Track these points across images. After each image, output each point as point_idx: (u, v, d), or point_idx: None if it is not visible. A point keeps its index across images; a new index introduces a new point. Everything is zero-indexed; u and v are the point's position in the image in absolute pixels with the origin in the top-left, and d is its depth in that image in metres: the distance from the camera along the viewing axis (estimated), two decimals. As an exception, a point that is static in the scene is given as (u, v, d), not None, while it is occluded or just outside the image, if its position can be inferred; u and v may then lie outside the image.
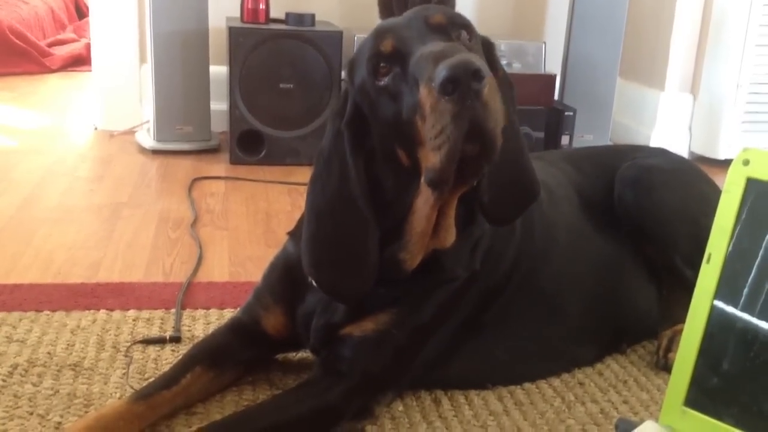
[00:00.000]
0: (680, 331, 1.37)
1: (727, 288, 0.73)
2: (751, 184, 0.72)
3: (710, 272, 0.74)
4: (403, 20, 1.05)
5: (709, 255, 0.74)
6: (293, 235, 1.24)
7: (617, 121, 2.99)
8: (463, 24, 1.05)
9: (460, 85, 0.89)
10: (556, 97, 2.79)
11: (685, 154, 2.96)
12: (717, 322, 0.74)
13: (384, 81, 1.01)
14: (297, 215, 1.21)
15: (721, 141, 2.87)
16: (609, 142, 2.88)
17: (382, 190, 1.08)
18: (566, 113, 2.66)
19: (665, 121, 2.98)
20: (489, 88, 0.92)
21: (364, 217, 1.06)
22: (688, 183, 1.50)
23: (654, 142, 2.96)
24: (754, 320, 0.71)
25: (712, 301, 0.73)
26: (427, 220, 1.08)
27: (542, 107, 2.64)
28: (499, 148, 0.96)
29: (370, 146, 1.07)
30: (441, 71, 0.89)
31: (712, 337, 0.73)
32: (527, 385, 1.28)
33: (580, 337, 1.36)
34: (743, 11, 2.76)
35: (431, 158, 0.95)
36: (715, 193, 1.54)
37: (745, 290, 0.72)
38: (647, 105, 3.04)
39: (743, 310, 0.73)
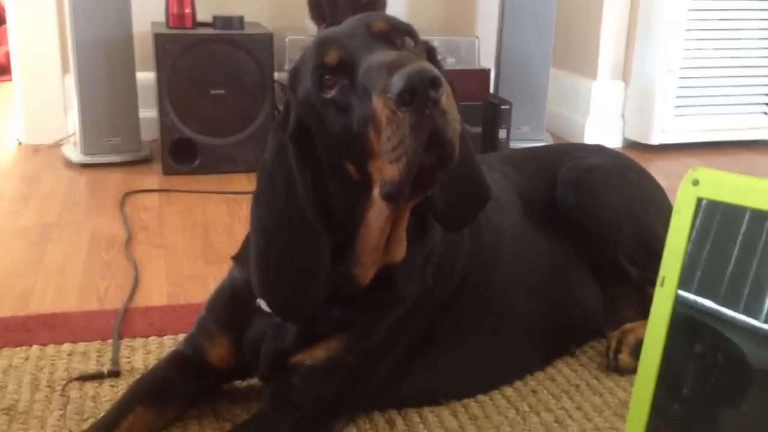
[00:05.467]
0: (628, 331, 1.39)
1: (684, 309, 0.72)
2: (702, 204, 0.71)
3: (665, 296, 0.72)
4: (345, 29, 1.01)
5: (663, 278, 0.73)
6: (238, 258, 1.20)
7: (552, 111, 3.01)
8: (407, 30, 1.02)
9: (418, 95, 0.86)
10: (491, 91, 2.78)
11: (619, 141, 2.99)
12: (674, 347, 0.72)
13: (330, 93, 0.97)
14: (236, 227, 1.17)
15: (654, 127, 2.91)
16: (545, 133, 2.89)
17: (331, 203, 1.05)
18: (502, 107, 2.66)
19: (599, 110, 3.00)
20: (446, 96, 0.89)
21: (315, 231, 1.02)
22: (627, 181, 1.51)
23: (588, 131, 2.98)
24: (713, 343, 0.70)
25: (669, 326, 0.72)
26: (380, 233, 1.04)
27: (478, 102, 2.62)
28: (458, 155, 0.93)
29: (316, 158, 1.03)
30: (397, 82, 0.86)
31: (670, 362, 0.72)
32: (481, 397, 1.27)
33: (529, 343, 1.35)
34: (670, -3, 2.80)
35: (388, 171, 0.92)
36: (653, 188, 1.55)
37: (701, 314, 0.71)
38: (580, 94, 3.06)
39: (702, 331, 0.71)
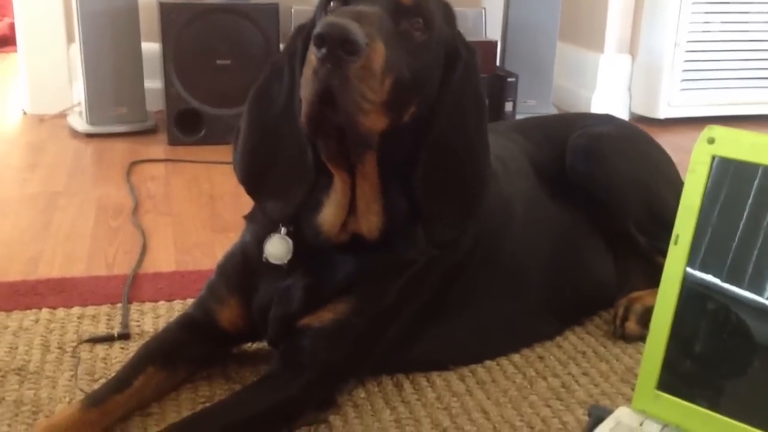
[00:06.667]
0: (636, 300, 1.39)
1: (696, 270, 0.72)
2: (717, 162, 0.71)
3: (678, 254, 0.72)
4: None
5: (677, 236, 0.73)
6: (250, 219, 1.20)
7: (558, 85, 2.99)
8: (423, 14, 1.01)
9: (326, 45, 0.88)
10: (497, 63, 2.77)
11: (625, 115, 2.98)
12: (687, 305, 0.73)
13: None
14: (243, 196, 1.17)
15: (661, 101, 2.90)
16: (551, 107, 2.88)
17: None
18: (509, 79, 2.65)
19: (605, 83, 2.99)
20: (362, 68, 0.89)
21: (304, 142, 1.04)
22: (637, 150, 1.51)
23: (595, 105, 2.97)
24: (725, 302, 0.70)
25: (682, 284, 0.72)
26: (342, 183, 1.05)
27: (485, 74, 2.61)
28: (363, 130, 0.94)
29: None
30: (318, 25, 0.89)
31: (682, 320, 0.72)
32: (488, 362, 1.27)
33: (541, 312, 1.35)
34: (678, -30, 2.78)
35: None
36: (662, 157, 1.54)
37: (715, 272, 0.71)
38: (587, 67, 3.05)
39: (713, 292, 0.71)
